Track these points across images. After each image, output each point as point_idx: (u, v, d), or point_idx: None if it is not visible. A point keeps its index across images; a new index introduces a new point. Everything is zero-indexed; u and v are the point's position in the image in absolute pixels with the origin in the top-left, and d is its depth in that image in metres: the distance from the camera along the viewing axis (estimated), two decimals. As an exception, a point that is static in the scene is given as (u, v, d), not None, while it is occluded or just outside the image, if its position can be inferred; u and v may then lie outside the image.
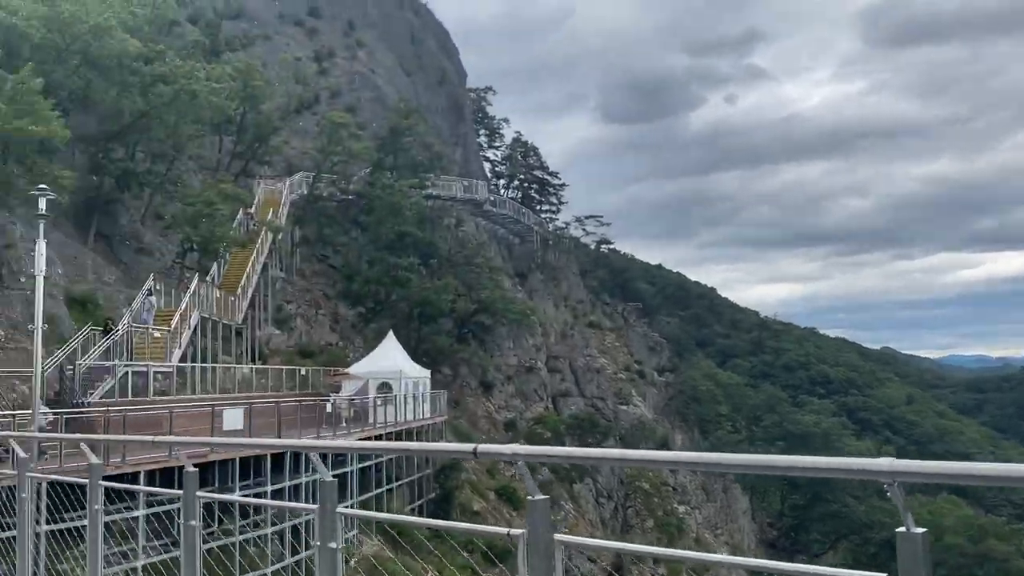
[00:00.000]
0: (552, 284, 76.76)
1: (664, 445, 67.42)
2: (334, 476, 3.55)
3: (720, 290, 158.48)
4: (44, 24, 33.32)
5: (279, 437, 27.68)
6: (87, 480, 4.87)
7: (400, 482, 37.13)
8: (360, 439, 32.83)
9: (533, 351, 62.79)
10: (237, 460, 25.64)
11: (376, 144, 58.08)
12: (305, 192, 53.27)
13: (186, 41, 52.82)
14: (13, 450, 6.56)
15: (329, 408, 32.92)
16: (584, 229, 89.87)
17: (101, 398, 27.55)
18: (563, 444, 57.15)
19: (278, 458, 26.55)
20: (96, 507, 4.80)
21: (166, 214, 43.55)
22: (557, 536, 2.67)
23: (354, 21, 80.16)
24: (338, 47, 74.77)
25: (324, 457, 4.32)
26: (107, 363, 29.10)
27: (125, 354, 30.05)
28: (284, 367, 40.50)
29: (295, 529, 24.98)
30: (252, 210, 47.71)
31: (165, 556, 18.17)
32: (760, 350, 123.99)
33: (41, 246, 15.46)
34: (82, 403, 26.52)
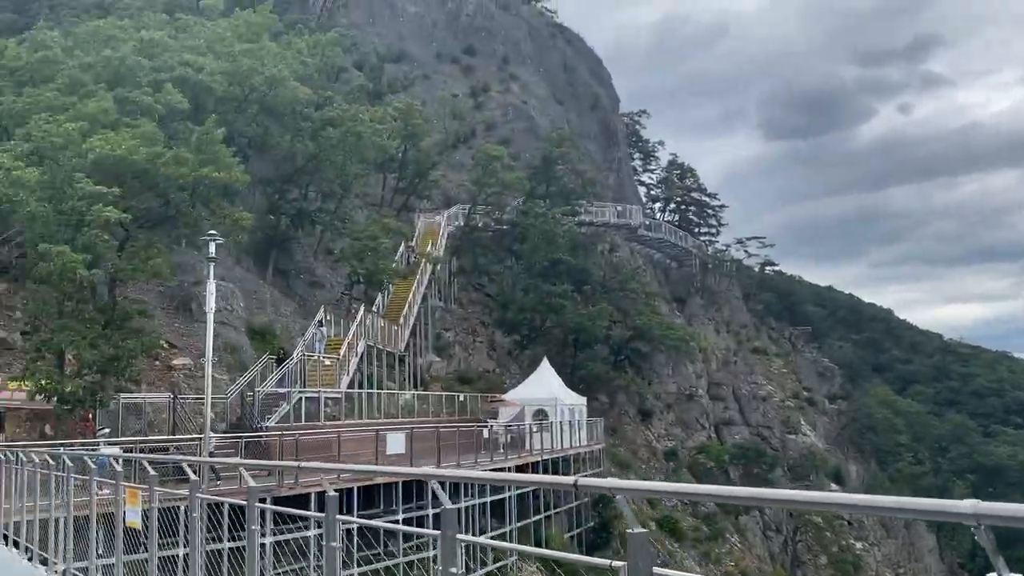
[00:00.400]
0: (713, 309, 74.72)
1: (837, 476, 63.61)
2: (490, 502, 3.49)
3: (897, 311, 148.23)
4: (226, 78, 36.46)
5: (439, 461, 28.46)
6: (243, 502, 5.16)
7: (558, 510, 37.08)
8: (516, 465, 33.19)
9: (693, 378, 61.20)
10: (400, 484, 26.65)
11: (529, 173, 59.11)
12: (461, 223, 54.93)
13: (352, 86, 56.18)
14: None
15: (486, 434, 33.47)
16: (746, 251, 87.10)
17: (277, 422, 29.45)
18: (727, 474, 55.21)
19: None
20: (254, 527, 5.02)
21: (335, 249, 46.18)
22: (656, 570, 2.76)
23: (508, 56, 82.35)
24: (493, 81, 76.99)
25: (445, 484, 4.38)
26: (282, 390, 31.11)
27: (299, 381, 32.00)
28: (443, 393, 41.68)
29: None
30: (413, 242, 49.81)
31: None
32: (945, 375, 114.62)
33: (211, 286, 16.64)
34: (261, 427, 28.44)
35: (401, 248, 47.48)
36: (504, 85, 77.60)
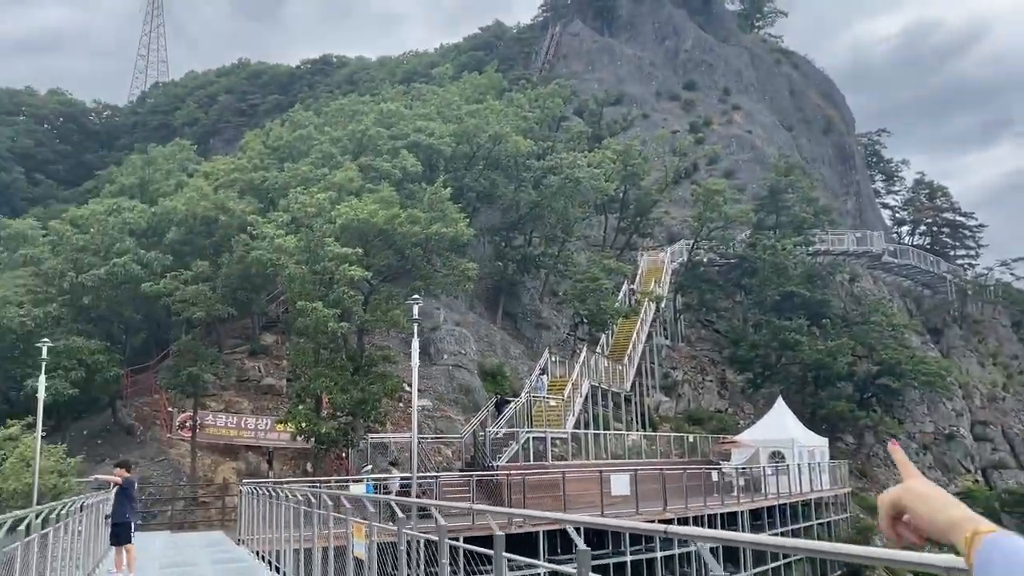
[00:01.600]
0: (975, 339, 67.43)
1: None
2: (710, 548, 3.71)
3: None
4: (454, 139, 39.28)
5: (665, 503, 28.16)
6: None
7: (798, 556, 35.07)
8: (751, 509, 31.98)
9: (953, 416, 55.44)
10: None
11: (756, 205, 57.33)
12: (685, 259, 54.34)
13: (572, 132, 57.97)
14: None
15: (715, 476, 32.61)
16: (1012, 273, 77.82)
17: (507, 461, 30.76)
18: (999, 522, 49.04)
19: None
20: (443, 560, 5.47)
21: (560, 291, 47.59)
22: None
23: (729, 87, 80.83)
24: (714, 114, 75.87)
25: (578, 531, 4.65)
26: (511, 430, 32.49)
27: (526, 422, 33.23)
28: (672, 434, 41.18)
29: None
30: (636, 281, 50.08)
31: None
32: None
33: (415, 343, 18.27)
34: (492, 466, 29.86)
35: (624, 287, 47.89)
36: (726, 116, 76.15)
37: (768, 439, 39.06)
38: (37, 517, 8.96)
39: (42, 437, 20.05)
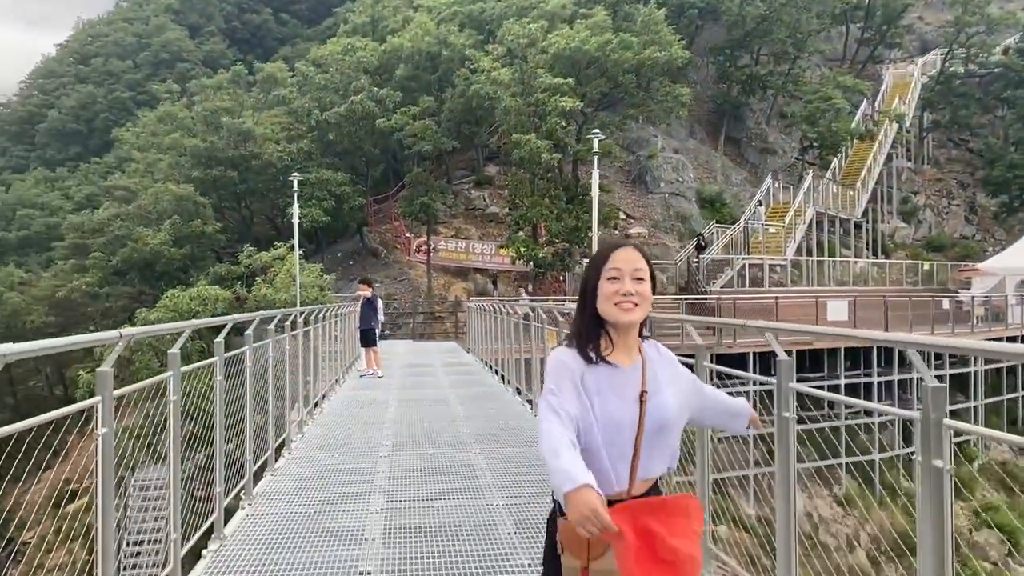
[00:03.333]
0: None
1: None
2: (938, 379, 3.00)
3: None
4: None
5: (885, 330, 27.40)
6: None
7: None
8: (989, 339, 30.21)
9: None
10: (841, 351, 26.47)
11: (1031, 2, 49.43)
12: (937, 71, 48.77)
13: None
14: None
15: (947, 305, 30.89)
16: None
17: (722, 287, 31.13)
18: None
19: (881, 352, 26.42)
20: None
21: (788, 113, 45.00)
22: (946, 421, 2.71)
23: None
24: None
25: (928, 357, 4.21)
26: (727, 256, 32.57)
27: (743, 249, 33.07)
28: (904, 261, 38.99)
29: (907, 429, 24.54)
30: (879, 98, 46.03)
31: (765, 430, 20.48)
32: None
33: (595, 175, 18.31)
34: (705, 291, 30.42)
35: (862, 106, 44.31)
36: None
37: (1017, 266, 35.89)
38: (300, 315, 11.01)
39: (302, 257, 23.34)
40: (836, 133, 40.28)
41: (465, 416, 11.12)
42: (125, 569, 15.41)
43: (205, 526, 5.45)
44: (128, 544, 16.27)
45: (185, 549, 4.89)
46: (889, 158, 44.30)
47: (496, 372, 16.23)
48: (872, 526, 23.07)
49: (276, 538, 5.66)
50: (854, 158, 43.22)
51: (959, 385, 29.03)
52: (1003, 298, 33.99)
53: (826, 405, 23.54)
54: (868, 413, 25.20)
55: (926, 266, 38.64)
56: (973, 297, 33.90)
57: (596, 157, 18.67)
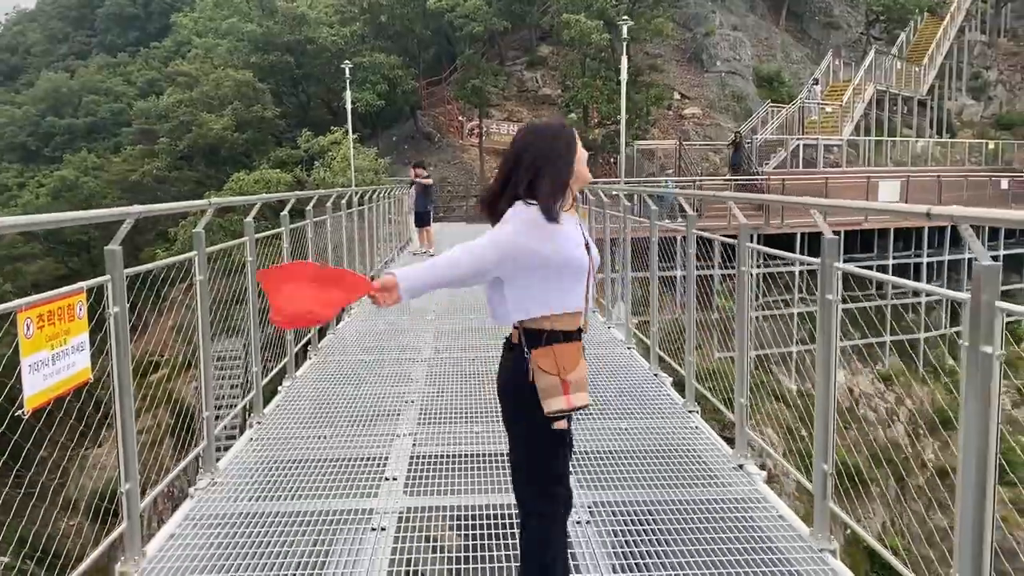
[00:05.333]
0: None
1: None
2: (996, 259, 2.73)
3: None
4: None
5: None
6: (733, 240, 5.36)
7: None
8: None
9: None
10: (891, 231, 26.39)
11: None
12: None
13: None
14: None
15: (1005, 184, 30.28)
16: None
17: (775, 168, 30.95)
18: None
19: (932, 232, 26.31)
20: (743, 268, 4.99)
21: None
22: (998, 303, 2.58)
23: None
24: None
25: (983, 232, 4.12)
26: (781, 136, 32.19)
27: (797, 129, 32.59)
28: (968, 140, 37.87)
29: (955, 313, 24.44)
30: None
31: (806, 308, 21.11)
32: None
33: (623, 61, 17.96)
34: (758, 172, 30.32)
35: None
36: None
37: (1089, 147, 34.66)
38: (356, 195, 11.91)
39: (357, 141, 24.12)
40: (904, 4, 38.54)
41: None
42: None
43: (279, 367, 6.55)
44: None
45: (264, 381, 5.94)
46: (961, 31, 42.27)
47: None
48: (912, 402, 23.75)
49: (340, 376, 6.75)
50: (923, 32, 41.37)
51: (1014, 265, 28.59)
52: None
53: (873, 286, 23.84)
54: (916, 294, 25.25)
55: (991, 145, 37.49)
56: (1038, 176, 33.00)
57: (626, 43, 18.54)
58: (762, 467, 4.76)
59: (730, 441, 5.03)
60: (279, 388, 6.41)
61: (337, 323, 9.22)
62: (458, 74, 32.67)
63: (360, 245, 11.94)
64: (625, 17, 19.30)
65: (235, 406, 5.76)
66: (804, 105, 32.87)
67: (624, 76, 18.63)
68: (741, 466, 4.68)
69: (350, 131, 22.48)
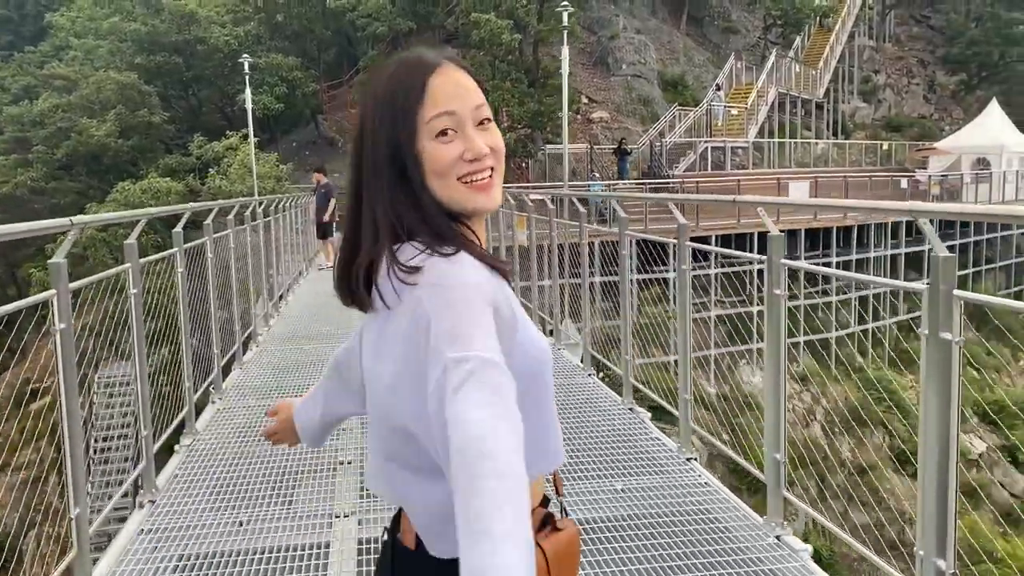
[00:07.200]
0: None
1: None
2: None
3: None
4: None
5: (845, 213, 27.60)
6: (673, 240, 5.40)
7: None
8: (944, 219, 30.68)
9: None
10: (835, 229, 26.21)
11: None
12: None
13: None
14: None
15: (904, 184, 31.26)
16: None
17: (684, 171, 31.00)
18: None
19: (848, 231, 26.57)
20: (683, 267, 5.12)
21: (752, -11, 43.88)
22: (956, 292, 2.70)
23: None
24: None
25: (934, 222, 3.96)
26: (689, 140, 32.29)
27: (705, 132, 32.77)
28: (864, 142, 39.14)
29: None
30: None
31: (738, 310, 20.82)
32: None
33: (564, 51, 17.59)
34: (668, 175, 30.28)
35: (827, -18, 43.31)
36: None
37: (973, 145, 36.24)
38: (260, 206, 10.68)
39: (257, 147, 22.59)
40: (800, 10, 39.50)
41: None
42: (95, 464, 15.45)
43: (176, 421, 5.37)
44: (96, 441, 16.25)
45: (157, 445, 4.80)
46: (852, 36, 43.73)
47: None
48: (828, 401, 23.90)
49: (248, 430, 5.61)
50: (817, 37, 42.59)
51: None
52: (959, 177, 34.50)
53: (831, 284, 23.80)
54: (865, 287, 25.18)
55: (885, 146, 38.84)
56: (930, 176, 34.32)
57: (565, 32, 17.90)
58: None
59: (736, 491, 4.21)
60: (175, 447, 5.24)
61: (243, 354, 8.04)
62: (361, 76, 31.34)
63: (267, 260, 10.73)
64: (565, 3, 18.42)
65: (123, 482, 4.58)
66: (711, 108, 33.10)
67: (566, 68, 17.97)
68: (779, 537, 3.78)
69: (251, 134, 20.95)
